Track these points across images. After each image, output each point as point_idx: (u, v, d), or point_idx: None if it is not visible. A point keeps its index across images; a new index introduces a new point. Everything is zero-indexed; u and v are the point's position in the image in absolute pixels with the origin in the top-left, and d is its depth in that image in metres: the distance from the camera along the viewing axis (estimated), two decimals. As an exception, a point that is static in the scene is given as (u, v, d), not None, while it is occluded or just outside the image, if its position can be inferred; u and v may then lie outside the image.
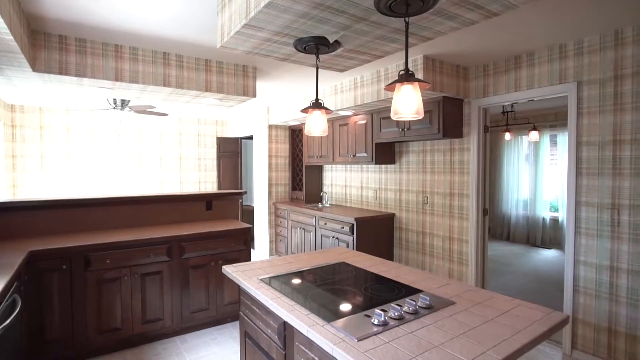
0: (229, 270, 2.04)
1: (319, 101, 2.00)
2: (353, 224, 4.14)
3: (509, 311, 1.46)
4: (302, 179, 5.85)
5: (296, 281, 1.84)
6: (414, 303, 1.46)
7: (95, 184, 6.34)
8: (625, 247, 2.56)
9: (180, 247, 3.18)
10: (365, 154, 4.40)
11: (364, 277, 1.91)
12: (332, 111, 2.11)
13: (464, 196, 3.64)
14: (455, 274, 3.74)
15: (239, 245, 3.51)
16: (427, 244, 4.05)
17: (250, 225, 3.58)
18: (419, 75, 3.19)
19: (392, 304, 1.48)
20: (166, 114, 5.42)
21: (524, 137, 6.64)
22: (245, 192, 4.28)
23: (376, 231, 4.34)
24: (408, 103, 1.43)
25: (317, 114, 2.01)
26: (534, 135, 5.17)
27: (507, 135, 5.48)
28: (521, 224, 6.79)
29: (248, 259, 3.59)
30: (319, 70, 3.63)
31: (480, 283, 3.59)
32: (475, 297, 1.62)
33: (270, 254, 5.97)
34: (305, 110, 2.02)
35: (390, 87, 1.49)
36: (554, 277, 4.82)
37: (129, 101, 4.99)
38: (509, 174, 7.00)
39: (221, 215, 4.06)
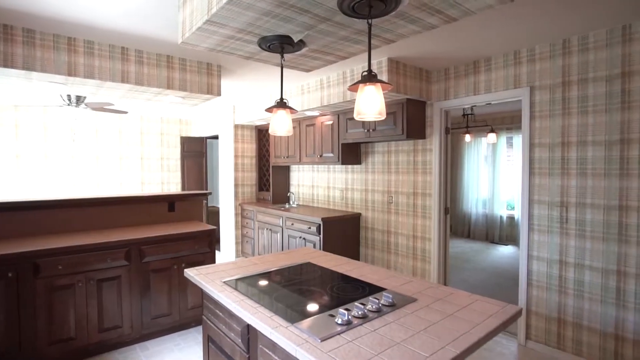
0: (191, 273, 1.98)
1: (284, 100, 1.98)
2: (320, 224, 4.16)
3: (467, 306, 1.52)
4: (269, 180, 5.80)
5: (261, 283, 1.82)
6: (377, 301, 1.48)
7: (48, 185, 5.96)
8: (573, 242, 2.74)
9: (139, 250, 3.05)
10: (331, 155, 4.43)
11: (329, 277, 1.91)
12: (297, 111, 2.10)
13: (426, 196, 3.75)
14: (419, 271, 3.85)
15: (203, 247, 3.42)
16: (392, 243, 4.13)
17: (214, 227, 3.50)
18: (384, 77, 3.25)
19: (356, 303, 1.50)
20: (125, 112, 5.19)
21: (482, 139, 6.95)
22: (210, 193, 4.18)
23: (343, 231, 4.37)
24: (370, 104, 1.45)
25: (282, 113, 1.99)
26: (491, 137, 5.42)
27: (468, 137, 5.72)
28: (480, 222, 7.09)
29: (213, 261, 3.51)
30: (285, 69, 3.61)
31: (443, 279, 3.71)
32: (436, 293, 1.67)
33: (237, 256, 5.87)
34: (269, 110, 2.00)
35: (354, 87, 1.51)
36: (510, 271, 5.08)
37: (84, 98, 4.73)
38: (470, 174, 7.29)
39: (185, 217, 3.94)
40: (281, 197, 5.72)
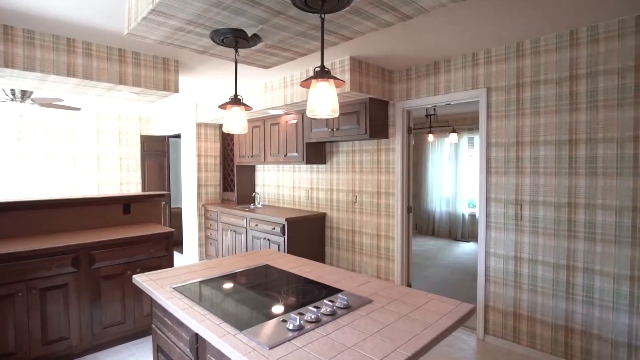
0: (140, 279, 1.86)
1: (238, 97, 1.90)
2: (284, 225, 4.09)
3: (422, 306, 1.51)
4: (234, 180, 5.66)
5: (213, 288, 1.73)
6: (331, 304, 1.44)
7: (-9, 187, 5.52)
8: (527, 239, 2.83)
9: (89, 256, 2.87)
10: (296, 154, 4.37)
11: (286, 280, 1.86)
12: (251, 108, 2.02)
13: (389, 195, 3.78)
14: (383, 270, 3.87)
15: (160, 251, 3.26)
16: (356, 242, 4.13)
17: (172, 230, 3.35)
18: (346, 76, 3.23)
19: (309, 307, 1.45)
20: (78, 109, 4.88)
21: (446, 139, 7.13)
22: (169, 194, 4.00)
23: (308, 231, 4.33)
24: (323, 100, 1.41)
25: (236, 110, 1.91)
26: (453, 137, 5.57)
27: (431, 137, 5.84)
28: (444, 220, 7.27)
29: (170, 264, 3.36)
30: (243, 66, 3.51)
31: (406, 277, 3.75)
32: (392, 293, 1.65)
33: (200, 258, 5.68)
34: (223, 107, 1.92)
35: (306, 83, 1.46)
36: (472, 267, 5.22)
37: (31, 93, 4.41)
38: (433, 173, 7.46)
39: (142, 219, 3.75)
40: (246, 198, 5.60)
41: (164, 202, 6.45)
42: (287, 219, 4.06)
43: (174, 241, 6.81)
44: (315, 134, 4.08)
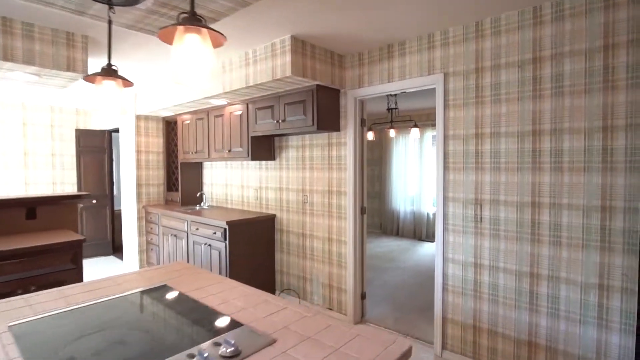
0: (-27, 313, 1.36)
1: (112, 67, 1.44)
2: (225, 229, 3.62)
3: (342, 347, 1.11)
4: (179, 178, 5.11)
5: (65, 325, 1.27)
6: (216, 350, 1.02)
7: None
8: (487, 243, 2.52)
9: (-38, 273, 2.30)
10: (241, 149, 3.91)
11: (174, 310, 1.41)
12: (132, 83, 1.56)
13: (342, 194, 3.39)
14: (335, 278, 3.48)
15: (65, 263, 2.72)
16: (307, 247, 3.72)
17: (82, 237, 2.81)
18: (287, 58, 2.81)
19: (180, 355, 1.02)
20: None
21: (409, 135, 6.85)
22: (87, 195, 3.44)
23: (255, 235, 3.88)
24: (192, 62, 0.98)
25: (110, 85, 1.45)
26: (415, 132, 5.28)
27: (392, 132, 5.53)
28: (408, 219, 7.01)
29: (79, 279, 2.82)
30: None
31: (359, 286, 3.37)
32: (307, 328, 1.24)
33: (141, 265, 5.10)
34: (90, 79, 1.44)
35: (166, 33, 1.01)
36: (433, 271, 4.93)
37: None
38: (397, 171, 7.18)
39: (51, 225, 3.17)
40: (192, 198, 5.07)
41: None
42: (228, 223, 3.59)
43: (115, 246, 6.18)
44: (261, 126, 3.64)
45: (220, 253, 3.70)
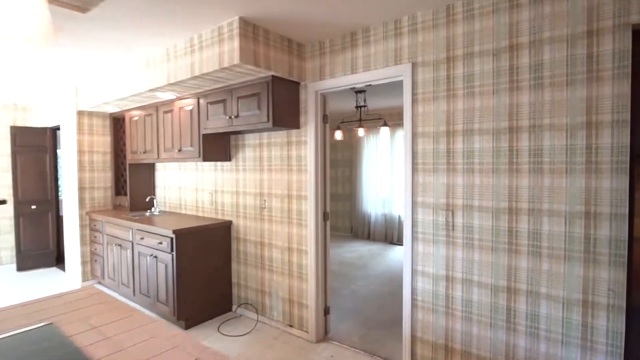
0: None
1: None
2: (172, 239, 3.20)
3: None
4: (128, 181, 4.62)
5: None
6: None
7: None
8: (460, 254, 2.24)
9: None
10: (191, 148, 3.50)
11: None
12: None
13: (302, 198, 3.05)
14: (296, 292, 3.13)
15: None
16: (266, 257, 3.36)
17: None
18: (234, 43, 2.44)
19: None
20: None
21: (379, 134, 6.61)
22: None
23: (208, 244, 3.48)
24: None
25: None
26: (384, 131, 5.02)
27: (361, 131, 5.25)
28: (380, 223, 6.76)
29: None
30: (119, 33, 2.58)
31: (322, 301, 3.04)
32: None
33: (85, 279, 4.57)
34: None
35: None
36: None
37: None
38: (369, 172, 6.92)
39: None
40: (143, 203, 4.59)
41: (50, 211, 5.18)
42: (175, 231, 3.18)
43: (61, 256, 5.57)
44: (212, 123, 3.25)
45: (166, 266, 3.28)
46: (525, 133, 2.00)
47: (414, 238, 2.44)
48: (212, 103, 3.25)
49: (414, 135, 2.41)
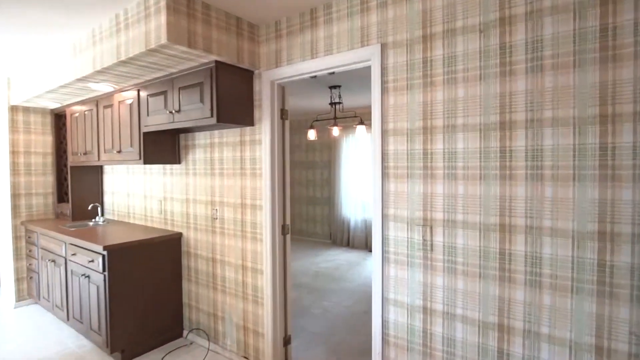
0: None
1: None
2: (104, 256, 2.69)
3: None
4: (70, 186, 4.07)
5: None
6: None
7: None
8: (440, 280, 1.80)
9: None
10: (131, 149, 2.99)
11: None
12: None
13: (257, 208, 2.58)
14: (251, 318, 2.66)
15: None
16: (218, 276, 2.87)
17: None
18: (161, 18, 1.95)
19: None
20: None
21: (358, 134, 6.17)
22: None
23: (155, 260, 2.97)
24: None
25: None
26: (360, 130, 4.57)
27: (336, 130, 4.80)
28: (359, 228, 6.32)
29: None
30: (42, 17, 2.06)
31: (282, 329, 2.57)
32: None
33: (20, 298, 3.99)
34: None
35: None
36: (385, 291, 4.25)
37: None
38: (348, 175, 6.48)
39: None
40: (88, 211, 4.04)
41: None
42: (107, 247, 2.66)
43: None
44: (153, 118, 2.75)
45: (98, 288, 2.76)
46: (521, 129, 1.57)
47: (384, 259, 1.99)
48: (152, 95, 2.75)
49: (384, 133, 1.96)
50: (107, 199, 4.11)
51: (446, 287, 1.78)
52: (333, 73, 2.24)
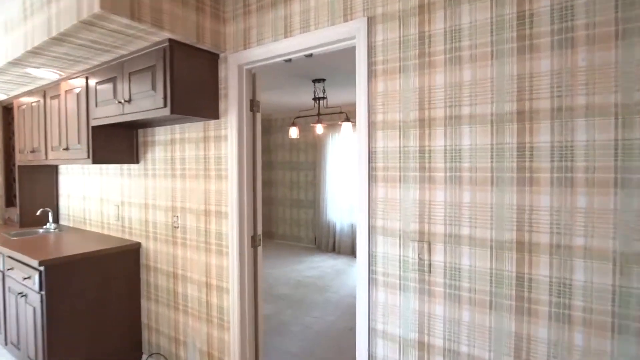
0: None
1: None
2: (40, 272, 2.27)
3: None
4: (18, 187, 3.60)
5: None
6: None
7: None
8: (440, 309, 1.45)
9: None
10: (79, 146, 2.57)
11: None
12: None
13: (222, 215, 2.19)
14: (216, 344, 2.27)
15: None
16: (180, 294, 2.48)
17: None
18: (93, -22, 1.56)
19: None
20: None
21: (344, 131, 5.82)
22: None
23: (107, 275, 2.56)
24: None
25: None
26: (346, 127, 4.23)
27: (319, 128, 4.43)
28: (346, 233, 5.97)
29: None
30: None
31: (252, 356, 2.19)
32: None
33: (-40, 316, 3.50)
34: None
35: None
36: (372, 303, 3.91)
37: None
38: (334, 176, 6.12)
39: None
40: (37, 216, 3.59)
41: None
42: (44, 263, 2.24)
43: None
44: (102, 110, 2.34)
45: (35, 310, 2.33)
46: (545, 121, 1.23)
47: (371, 280, 1.63)
48: (101, 83, 2.34)
49: (372, 127, 1.61)
50: (63, 202, 3.66)
51: (448, 318, 1.43)
52: (311, 55, 1.87)
